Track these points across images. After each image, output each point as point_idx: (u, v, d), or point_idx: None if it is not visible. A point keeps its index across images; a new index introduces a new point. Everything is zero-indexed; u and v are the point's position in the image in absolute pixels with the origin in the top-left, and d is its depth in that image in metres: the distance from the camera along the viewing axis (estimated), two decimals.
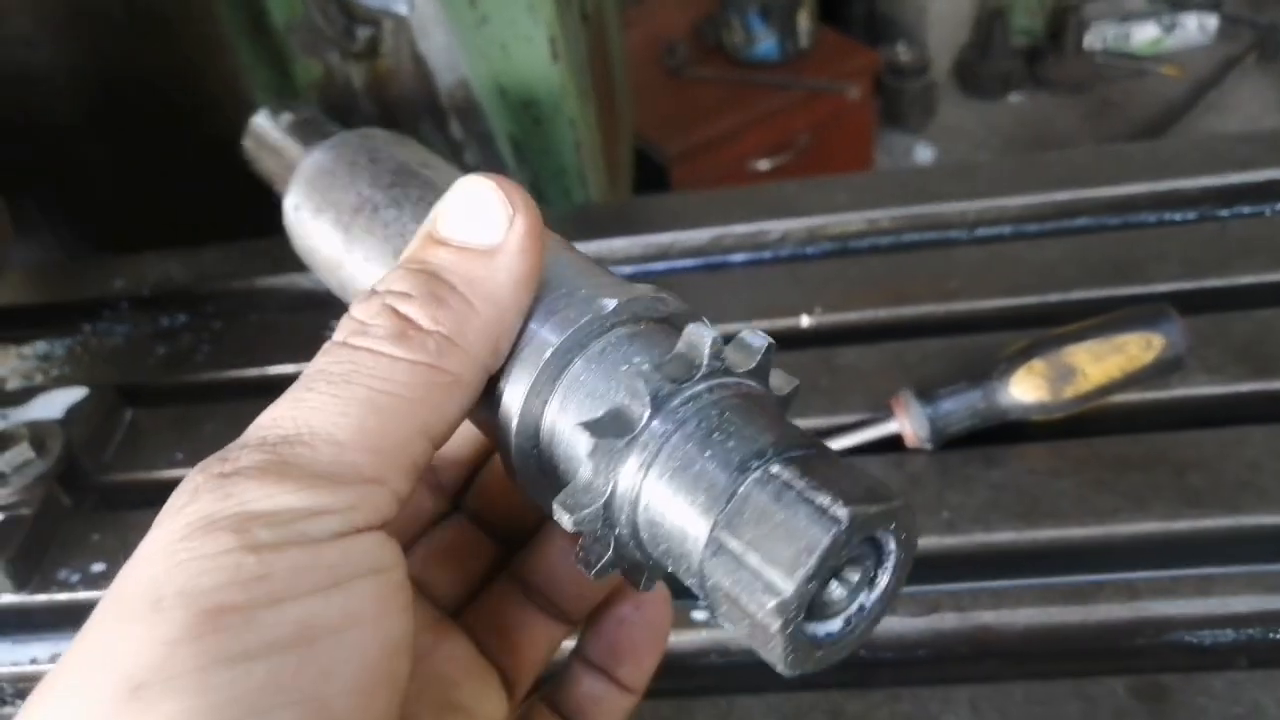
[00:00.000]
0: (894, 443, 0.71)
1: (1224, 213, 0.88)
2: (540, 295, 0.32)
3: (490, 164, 1.38)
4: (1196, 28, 3.13)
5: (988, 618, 0.62)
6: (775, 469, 0.27)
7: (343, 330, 0.31)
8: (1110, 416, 0.72)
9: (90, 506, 0.78)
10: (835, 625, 0.28)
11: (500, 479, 0.40)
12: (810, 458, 0.28)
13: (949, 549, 0.65)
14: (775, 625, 0.26)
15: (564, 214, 1.10)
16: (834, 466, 0.27)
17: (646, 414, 0.29)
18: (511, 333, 0.31)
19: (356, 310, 0.31)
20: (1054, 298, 0.81)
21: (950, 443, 0.71)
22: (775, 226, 0.92)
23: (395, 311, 0.30)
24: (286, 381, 0.30)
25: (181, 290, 0.97)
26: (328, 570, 0.27)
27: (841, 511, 0.26)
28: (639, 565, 0.31)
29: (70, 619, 0.71)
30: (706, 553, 0.27)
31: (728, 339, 0.31)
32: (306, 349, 0.33)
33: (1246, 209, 0.87)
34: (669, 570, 0.30)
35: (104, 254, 1.10)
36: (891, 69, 3.05)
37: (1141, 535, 0.64)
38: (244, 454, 0.28)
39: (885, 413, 0.71)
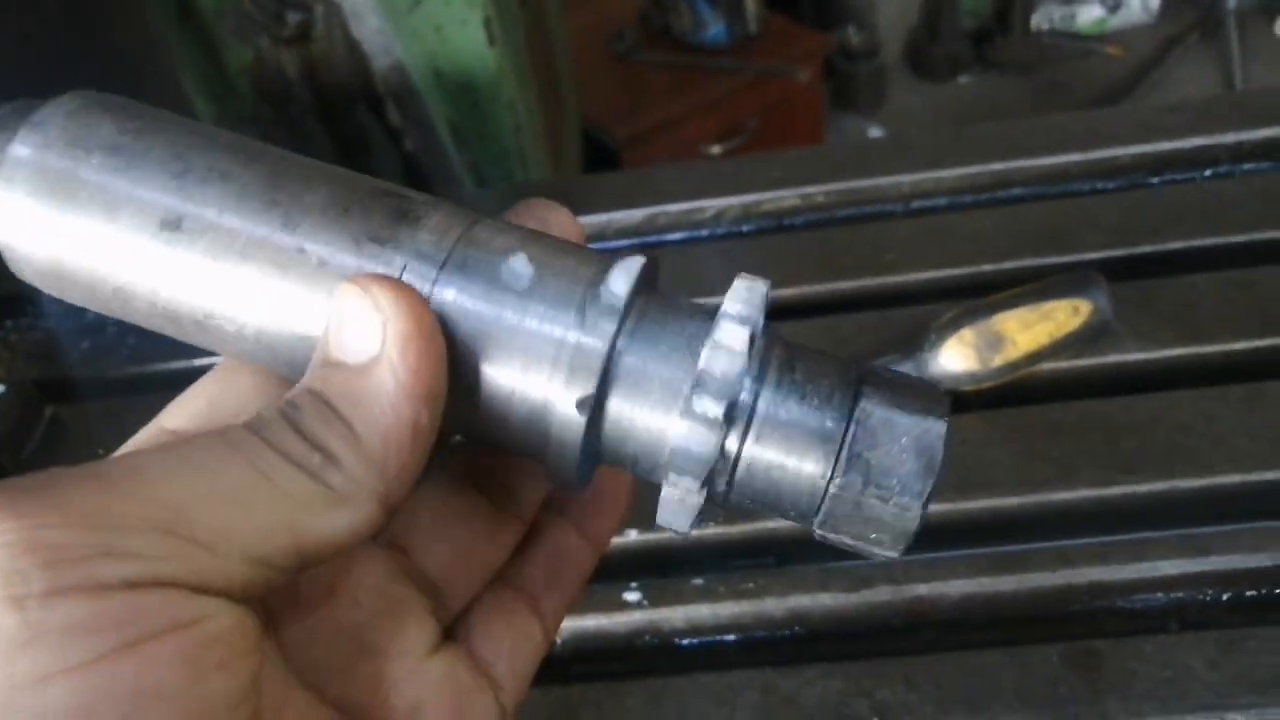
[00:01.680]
0: None
1: (1154, 180, 0.88)
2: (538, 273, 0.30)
3: (430, 149, 1.36)
4: (1140, 7, 3.17)
5: (921, 590, 0.61)
6: (866, 397, 0.28)
7: (248, 422, 0.28)
8: (1042, 385, 0.71)
9: None
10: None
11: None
12: (878, 379, 0.29)
13: None
14: (913, 523, 0.28)
15: (499, 194, 1.08)
16: (896, 379, 0.29)
17: (743, 370, 0.28)
18: (404, 451, 0.28)
19: (260, 412, 0.28)
20: (987, 268, 0.80)
21: None
22: (710, 204, 0.91)
23: (286, 416, 0.28)
24: None
25: None
26: (114, 628, 0.22)
27: (944, 400, 0.29)
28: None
29: None
30: (834, 478, 0.28)
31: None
32: None
33: (1178, 176, 0.88)
34: (753, 508, 0.30)
35: None
36: (842, 52, 3.05)
37: (1074, 502, 0.64)
38: (66, 473, 0.24)
39: None
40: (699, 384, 0.28)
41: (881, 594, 0.61)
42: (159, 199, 0.30)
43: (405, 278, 0.29)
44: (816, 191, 0.91)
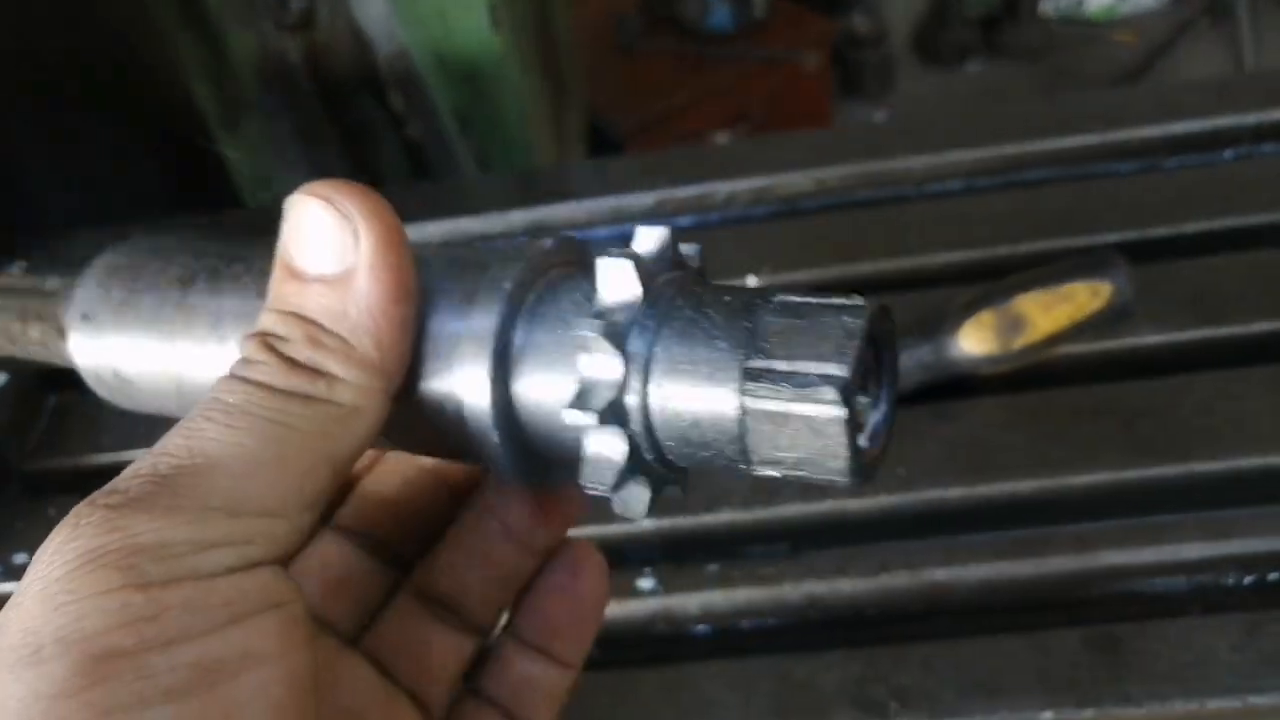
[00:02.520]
0: None
1: (1172, 162, 0.87)
2: (437, 285, 0.30)
3: (434, 136, 1.35)
4: None
5: (939, 575, 0.60)
6: (775, 299, 0.27)
7: (236, 366, 0.29)
8: (1060, 368, 0.71)
9: (12, 495, 0.75)
10: (863, 441, 0.27)
11: (381, 497, 0.38)
12: (784, 293, 0.27)
13: (900, 506, 0.64)
14: (839, 414, 0.25)
15: (507, 179, 1.07)
16: (807, 294, 0.27)
17: (640, 295, 0.27)
18: (397, 346, 0.29)
19: (244, 349, 0.30)
20: (1003, 250, 0.79)
21: (901, 399, 0.69)
22: (721, 188, 0.90)
23: (276, 352, 0.29)
24: None
25: None
26: (223, 607, 0.25)
27: (859, 300, 0.26)
28: (649, 476, 0.29)
29: None
30: (745, 393, 0.26)
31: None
32: None
33: (1196, 157, 0.86)
34: (692, 458, 0.28)
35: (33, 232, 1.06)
36: (849, 39, 3.03)
37: (1093, 486, 0.63)
38: (133, 484, 0.26)
39: None
40: (590, 340, 0.27)
41: (899, 579, 0.61)
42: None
43: None
44: (830, 175, 0.90)
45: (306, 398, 0.28)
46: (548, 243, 0.30)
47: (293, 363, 0.29)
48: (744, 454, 0.27)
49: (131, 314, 0.35)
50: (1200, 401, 0.66)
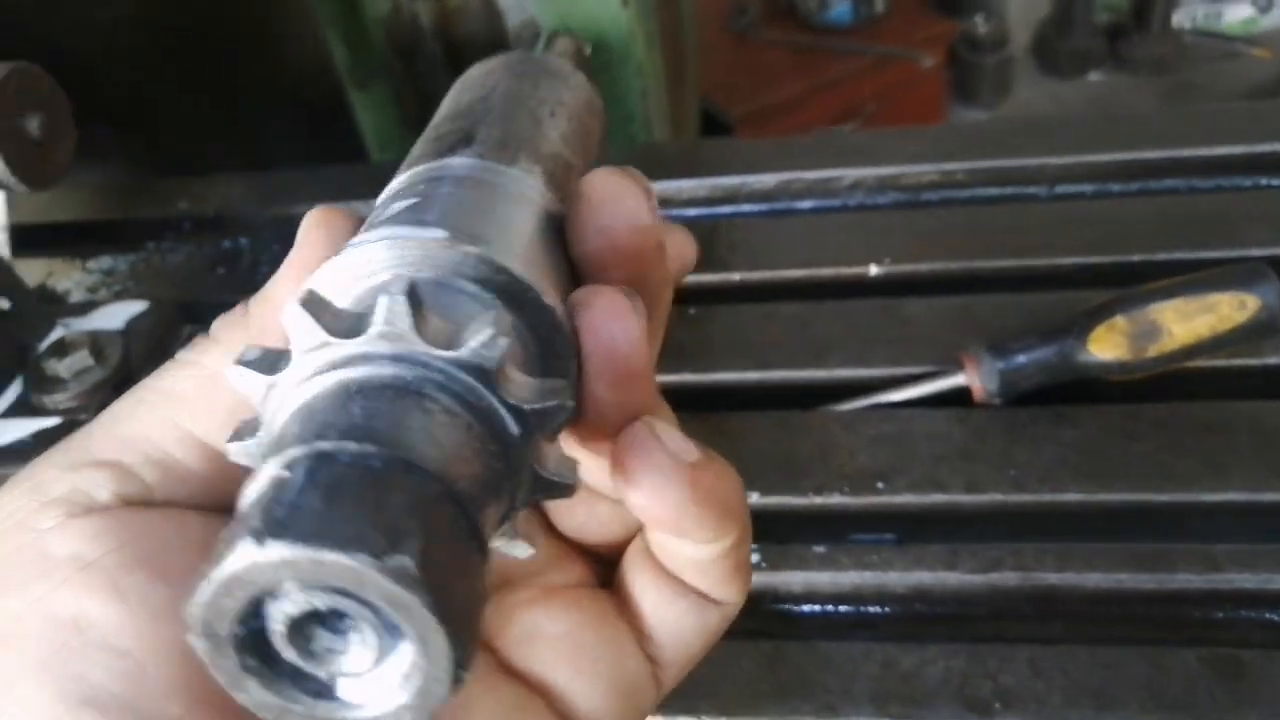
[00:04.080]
0: (961, 397, 0.68)
1: None
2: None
3: None
4: None
5: (1053, 579, 0.59)
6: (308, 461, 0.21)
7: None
8: (1193, 380, 0.68)
9: None
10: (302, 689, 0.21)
11: None
12: (348, 465, 0.21)
13: (1012, 506, 0.63)
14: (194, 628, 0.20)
15: (629, 153, 1.07)
16: (368, 487, 0.20)
17: (372, 334, 0.23)
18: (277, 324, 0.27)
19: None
20: (1137, 257, 0.77)
21: (1020, 399, 0.68)
22: (846, 174, 0.89)
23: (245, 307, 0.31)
24: None
25: (244, 213, 0.96)
26: (55, 566, 0.26)
27: (239, 545, 0.19)
28: None
29: None
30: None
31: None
32: None
33: None
34: None
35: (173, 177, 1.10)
36: (967, 41, 2.97)
37: (1222, 504, 0.61)
38: (74, 434, 0.30)
39: (953, 366, 0.68)
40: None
41: (1009, 579, 0.59)
42: None
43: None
44: (957, 168, 0.88)
45: (180, 362, 0.30)
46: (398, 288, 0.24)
47: (205, 335, 0.31)
48: None
49: None
50: None
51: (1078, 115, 0.97)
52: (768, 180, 0.90)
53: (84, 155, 1.18)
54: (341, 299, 0.26)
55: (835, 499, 0.64)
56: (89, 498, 0.27)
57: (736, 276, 0.82)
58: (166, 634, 0.25)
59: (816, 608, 0.61)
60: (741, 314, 0.78)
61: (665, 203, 0.91)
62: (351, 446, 0.21)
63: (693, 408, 0.71)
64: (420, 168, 0.31)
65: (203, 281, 0.90)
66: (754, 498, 0.65)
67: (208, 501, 0.29)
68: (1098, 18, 3.10)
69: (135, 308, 0.82)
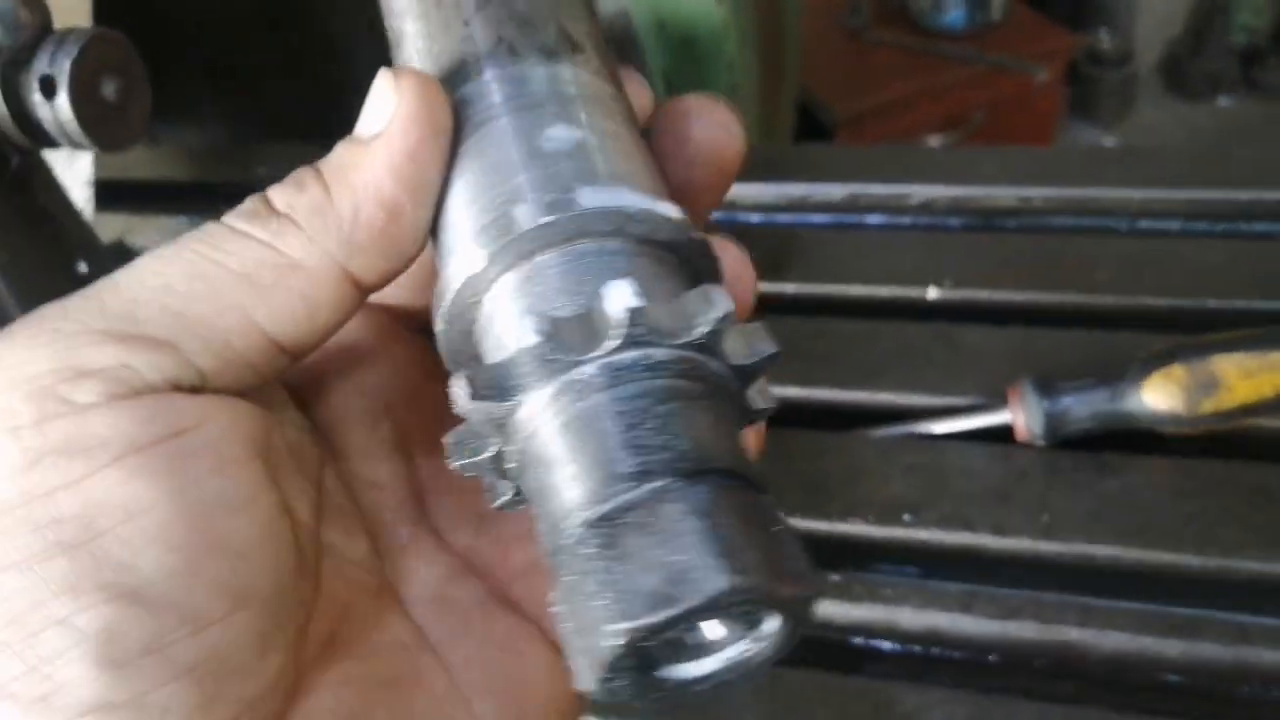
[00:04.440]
0: (1005, 434, 0.66)
1: None
2: (470, 186, 0.27)
3: None
4: None
5: (1072, 634, 0.57)
6: (673, 495, 0.22)
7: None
8: (1257, 440, 0.65)
9: None
10: (706, 667, 0.23)
11: None
12: (720, 497, 0.22)
13: (1040, 555, 0.60)
14: (587, 680, 0.22)
15: None
16: (742, 518, 0.22)
17: (611, 345, 0.23)
18: (372, 222, 0.27)
19: None
20: (1211, 304, 0.73)
21: (1066, 443, 0.65)
22: (917, 191, 0.87)
23: (262, 196, 0.27)
24: None
25: None
26: (100, 446, 0.23)
27: (611, 632, 0.21)
28: (502, 480, 0.26)
29: None
30: (565, 543, 0.23)
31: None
32: None
33: None
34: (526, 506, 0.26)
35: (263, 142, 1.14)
36: (1090, 56, 2.86)
37: (1266, 575, 0.58)
38: (33, 312, 0.25)
39: (1000, 400, 0.66)
40: (558, 322, 0.24)
41: (1027, 629, 0.57)
42: None
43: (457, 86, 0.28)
44: (1036, 194, 0.85)
45: (248, 237, 0.26)
46: (589, 213, 0.25)
47: (267, 204, 0.27)
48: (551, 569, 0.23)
49: None
50: None
51: (1170, 147, 0.92)
52: (835, 191, 0.88)
53: (180, 115, 1.23)
54: (545, 286, 0.25)
55: (859, 527, 0.63)
56: (139, 377, 0.24)
57: (791, 288, 0.80)
58: (221, 531, 0.24)
59: (820, 636, 0.59)
60: (792, 327, 0.76)
61: (731, 206, 0.90)
62: (681, 481, 0.22)
63: None
64: (502, 83, 0.28)
65: None
66: None
67: (255, 398, 0.27)
68: (1234, 39, 2.96)
69: None
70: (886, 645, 0.59)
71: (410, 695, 0.29)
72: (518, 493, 0.26)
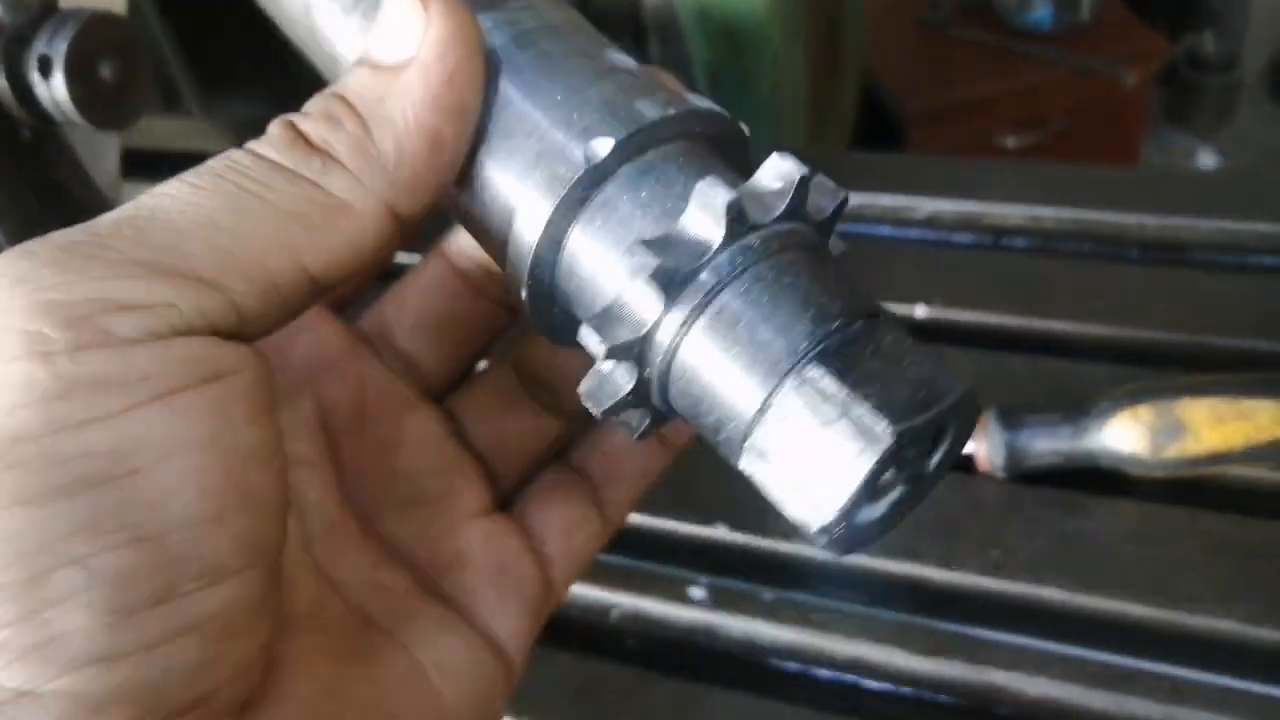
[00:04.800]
0: (968, 463, 0.64)
1: None
2: (529, 91, 0.27)
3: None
4: None
5: (998, 677, 0.55)
6: (823, 364, 0.23)
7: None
8: (1232, 490, 0.62)
9: None
10: (879, 510, 0.25)
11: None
12: (863, 339, 0.23)
13: (982, 591, 0.59)
14: (864, 468, 0.22)
15: None
16: (892, 353, 0.23)
17: (716, 243, 0.24)
18: (422, 160, 0.26)
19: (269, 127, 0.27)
20: (1211, 340, 0.70)
21: (1033, 478, 0.63)
22: (924, 204, 0.85)
23: (291, 126, 0.26)
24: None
25: None
26: (141, 382, 0.22)
27: (958, 380, 0.23)
28: (651, 412, 0.27)
29: None
30: (775, 397, 0.23)
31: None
32: None
33: None
34: (689, 417, 0.26)
35: None
36: (1191, 60, 2.74)
37: (1215, 632, 0.55)
38: (61, 236, 0.23)
39: None
40: (662, 239, 0.24)
41: (954, 668, 0.56)
42: None
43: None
44: (1047, 214, 0.82)
45: (293, 174, 0.25)
46: (670, 110, 0.26)
47: (300, 137, 0.25)
48: (739, 447, 0.24)
49: None
50: None
51: (1198, 174, 0.89)
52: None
53: (224, 87, 1.26)
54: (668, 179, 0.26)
55: (801, 547, 0.62)
56: (181, 316, 0.22)
57: None
58: (250, 482, 0.23)
59: (747, 657, 0.59)
60: None
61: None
62: (871, 319, 0.24)
63: None
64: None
65: None
66: (721, 530, 0.64)
67: (270, 345, 0.25)
68: None
69: None
70: (811, 670, 0.58)
71: (378, 671, 0.29)
72: (654, 417, 0.26)
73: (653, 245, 0.24)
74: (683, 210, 0.24)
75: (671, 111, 0.25)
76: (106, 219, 0.23)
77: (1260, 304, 0.72)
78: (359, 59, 0.27)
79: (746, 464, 0.23)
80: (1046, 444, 0.61)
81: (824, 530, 0.23)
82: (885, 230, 0.86)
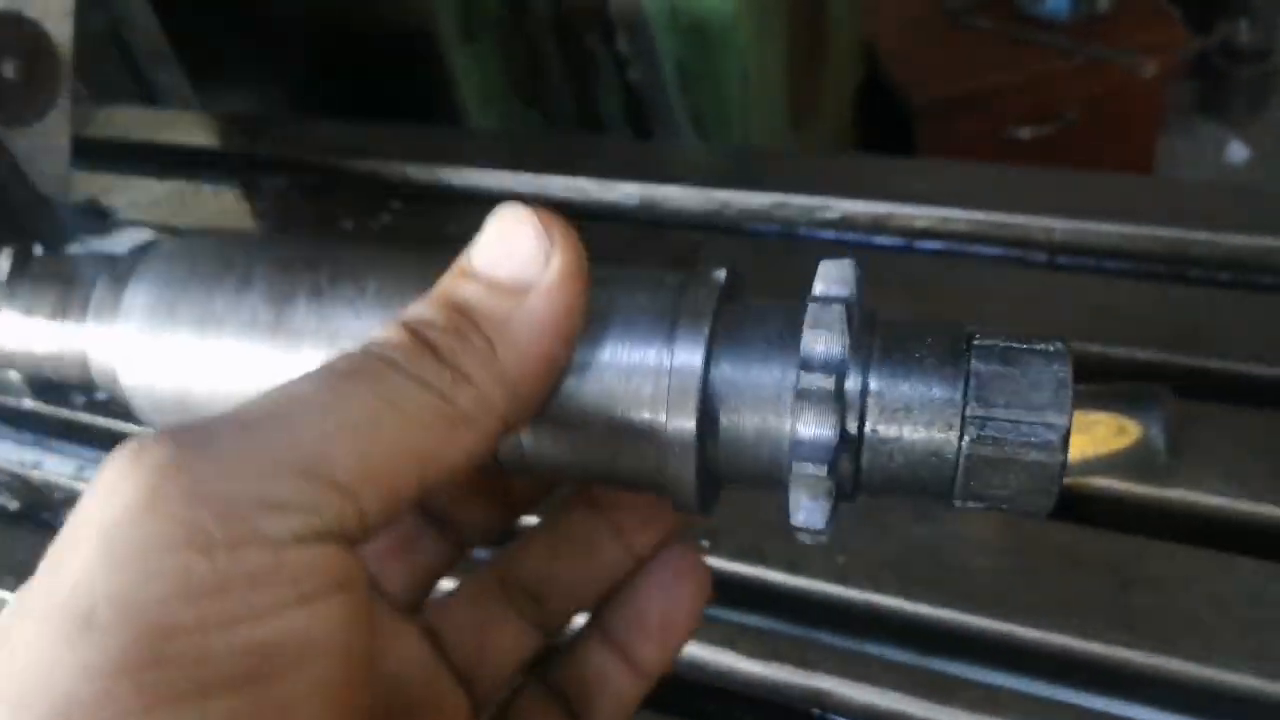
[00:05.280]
0: None
1: None
2: (620, 308, 0.30)
3: (653, 84, 1.35)
4: None
5: (826, 683, 0.56)
6: (979, 343, 0.28)
7: (365, 344, 0.28)
8: (1088, 501, 0.61)
9: None
10: None
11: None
12: (988, 335, 0.28)
13: (823, 596, 0.59)
14: (1059, 461, 0.27)
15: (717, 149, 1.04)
16: (1008, 335, 0.28)
17: (844, 349, 0.28)
18: (538, 380, 0.28)
19: (376, 334, 0.27)
20: (1092, 349, 0.69)
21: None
22: (838, 205, 0.85)
23: (417, 334, 0.27)
24: None
25: (288, 159, 1.03)
26: (291, 584, 0.22)
27: (1059, 345, 0.28)
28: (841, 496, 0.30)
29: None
30: (966, 442, 0.27)
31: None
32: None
33: None
34: (888, 490, 0.29)
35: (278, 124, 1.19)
36: (1225, 49, 2.67)
37: (1044, 644, 0.55)
38: (207, 424, 0.24)
39: None
40: (805, 367, 0.28)
41: (783, 672, 0.57)
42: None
43: None
44: (960, 218, 0.82)
45: (425, 385, 0.26)
46: (722, 272, 0.31)
47: (430, 349, 0.26)
48: (950, 493, 0.28)
49: (213, 331, 0.32)
50: (1222, 590, 0.55)
51: (1114, 178, 0.87)
52: (759, 200, 0.87)
53: (208, 80, 1.28)
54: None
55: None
56: (322, 523, 0.23)
57: None
58: (362, 696, 0.24)
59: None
60: None
61: (652, 207, 0.90)
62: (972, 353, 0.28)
63: None
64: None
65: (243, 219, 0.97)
66: None
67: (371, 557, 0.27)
68: None
69: (143, 235, 0.90)
70: None
71: None
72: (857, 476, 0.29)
73: (801, 373, 0.28)
74: (793, 345, 0.28)
75: (715, 297, 0.29)
76: (249, 411, 0.24)
77: (1161, 313, 0.71)
78: (466, 267, 0.29)
79: (962, 506, 0.28)
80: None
81: (1063, 441, 0.27)
82: (802, 231, 0.87)
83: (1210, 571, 0.56)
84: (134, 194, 1.02)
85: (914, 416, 0.27)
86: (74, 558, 0.21)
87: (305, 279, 0.32)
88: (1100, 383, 0.62)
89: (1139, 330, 0.70)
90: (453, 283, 0.28)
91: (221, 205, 1.00)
